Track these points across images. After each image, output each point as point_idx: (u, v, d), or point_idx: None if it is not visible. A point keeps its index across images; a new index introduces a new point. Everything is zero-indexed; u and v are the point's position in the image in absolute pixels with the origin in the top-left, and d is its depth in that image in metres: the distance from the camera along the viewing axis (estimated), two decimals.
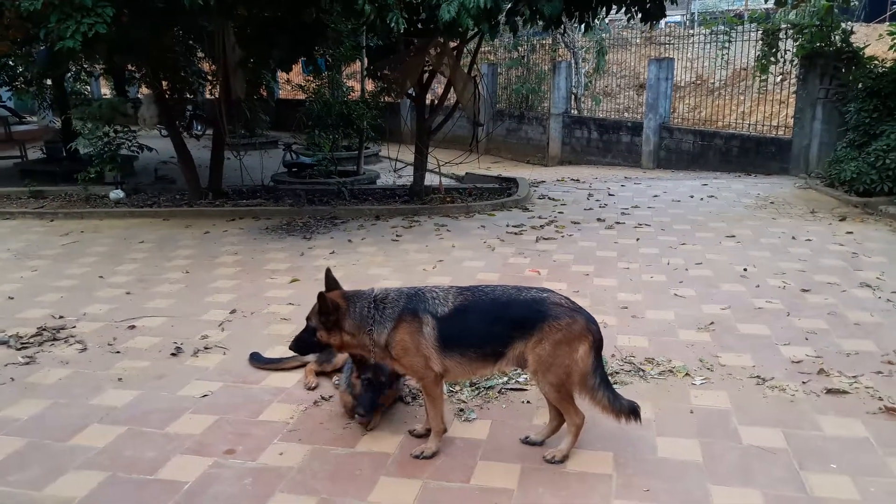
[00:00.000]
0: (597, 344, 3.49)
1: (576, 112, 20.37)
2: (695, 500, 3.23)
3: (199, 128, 21.11)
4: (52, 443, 3.82)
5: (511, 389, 4.37)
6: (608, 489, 3.33)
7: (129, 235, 8.76)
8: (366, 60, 14.32)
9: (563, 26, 14.12)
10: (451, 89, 10.27)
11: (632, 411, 3.54)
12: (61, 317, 5.79)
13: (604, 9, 9.17)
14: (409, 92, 10.25)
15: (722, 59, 15.97)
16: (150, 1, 7.31)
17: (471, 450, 3.71)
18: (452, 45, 9.91)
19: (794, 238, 8.21)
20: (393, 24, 7.09)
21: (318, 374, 4.57)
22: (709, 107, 18.10)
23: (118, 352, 5.09)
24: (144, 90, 14.93)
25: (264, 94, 13.72)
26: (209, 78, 13.99)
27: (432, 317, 3.47)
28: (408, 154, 17.66)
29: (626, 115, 20.40)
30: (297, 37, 9.36)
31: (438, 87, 14.37)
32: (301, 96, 21.53)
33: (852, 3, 12.37)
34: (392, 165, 17.64)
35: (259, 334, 5.41)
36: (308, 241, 8.46)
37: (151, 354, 5.04)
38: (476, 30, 7.66)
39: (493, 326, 3.49)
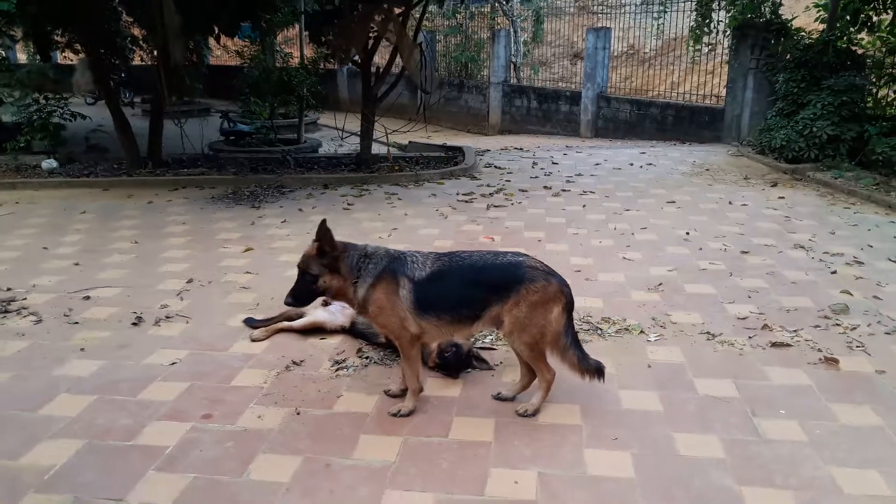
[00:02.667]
0: (569, 306, 3.65)
1: (515, 81, 20.53)
2: (659, 446, 3.45)
3: (128, 95, 20.40)
4: (20, 413, 3.77)
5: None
6: (579, 439, 3.52)
7: (69, 206, 8.47)
8: (303, 26, 14.12)
9: None
10: (397, 57, 10.22)
11: (597, 370, 3.74)
12: (9, 289, 5.62)
13: None
14: (354, 58, 10.14)
15: (658, 27, 16.32)
16: None
17: (446, 407, 3.84)
18: (398, 11, 9.84)
19: (730, 203, 8.61)
20: None
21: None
22: (641, 76, 18.56)
23: (76, 322, 4.99)
24: (69, 56, 14.26)
25: (195, 59, 13.31)
26: (140, 43, 13.52)
27: (409, 280, 3.56)
28: (348, 122, 17.58)
29: (561, 84, 20.70)
30: (242, 2, 9.11)
31: (381, 59, 14.30)
32: (233, 63, 21.03)
33: None
34: (336, 134, 17.48)
35: (220, 303, 5.39)
36: (257, 210, 8.38)
37: (111, 324, 4.96)
38: None
39: (469, 290, 3.61)
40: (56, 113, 10.53)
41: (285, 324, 4.84)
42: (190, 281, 5.84)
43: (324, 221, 3.59)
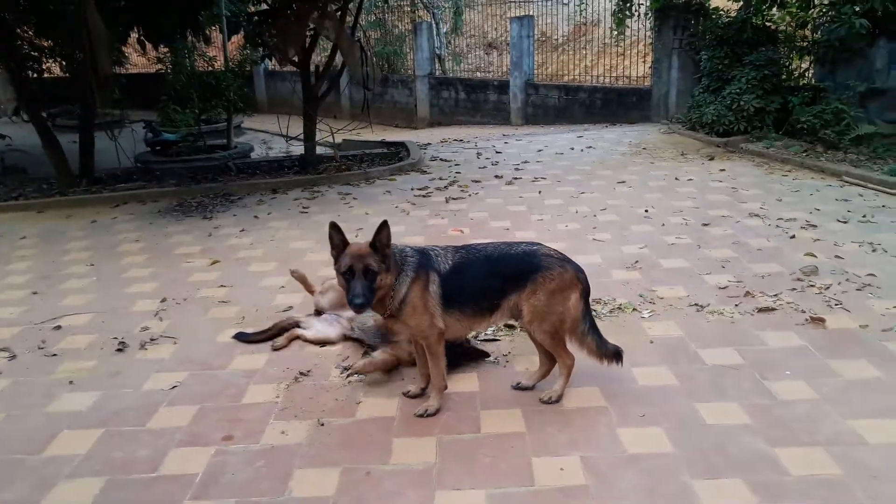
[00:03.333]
0: (585, 292, 3.71)
1: (441, 73, 20.56)
2: (686, 418, 3.57)
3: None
4: (25, 457, 3.53)
5: (484, 340, 4.53)
6: (609, 419, 3.59)
7: (5, 232, 7.97)
8: (225, 27, 13.69)
9: None
10: (336, 54, 10.07)
11: (616, 354, 3.81)
12: None
13: None
14: (293, 58, 9.93)
15: (580, 12, 16.62)
16: None
17: (469, 402, 3.84)
18: (334, 7, 9.69)
19: (676, 179, 8.92)
20: None
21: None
22: (556, 62, 18.95)
23: (55, 354, 4.71)
24: None
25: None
26: (48, 55, 12.79)
27: (437, 274, 3.53)
28: (269, 124, 17.14)
29: (478, 73, 20.91)
30: (184, 6, 8.75)
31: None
32: (149, 70, 20.20)
33: None
34: (263, 137, 17.09)
35: (202, 320, 5.20)
36: (210, 220, 8.11)
37: (94, 353, 4.71)
38: None
39: (489, 281, 3.61)
40: None
41: (298, 331, 4.70)
42: (164, 300, 5.60)
43: (385, 222, 3.40)
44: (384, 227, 3.39)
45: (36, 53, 10.81)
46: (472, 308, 3.64)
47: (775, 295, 5.02)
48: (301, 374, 4.26)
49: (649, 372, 4.06)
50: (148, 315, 5.31)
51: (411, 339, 3.79)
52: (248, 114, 16.17)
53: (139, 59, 23.66)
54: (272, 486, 3.20)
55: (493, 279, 3.62)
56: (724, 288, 5.23)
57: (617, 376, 4.00)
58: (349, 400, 3.94)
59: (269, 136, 17.32)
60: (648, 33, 14.76)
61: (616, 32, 15.61)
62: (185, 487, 3.22)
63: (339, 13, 9.73)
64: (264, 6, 10.37)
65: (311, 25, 9.67)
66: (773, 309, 4.80)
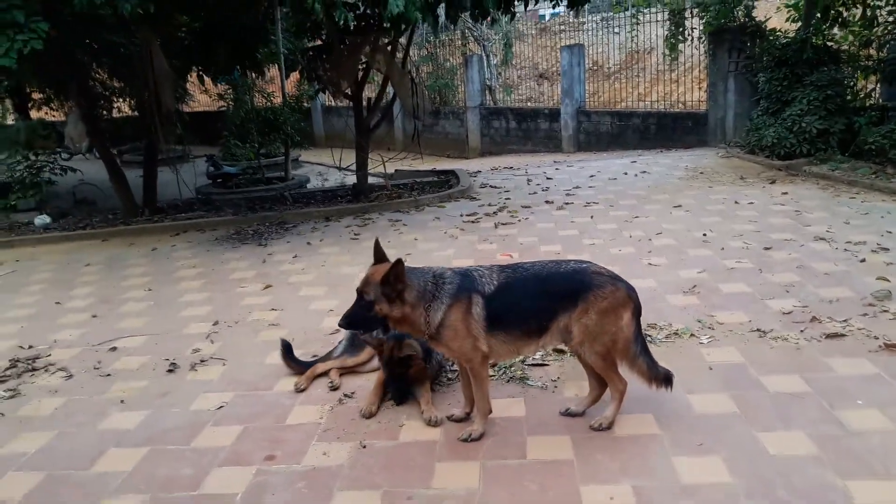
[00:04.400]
0: (637, 311, 3.57)
1: (491, 103, 20.65)
2: (747, 448, 3.36)
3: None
4: (73, 472, 3.57)
5: (532, 365, 4.41)
6: (662, 448, 3.41)
7: (72, 259, 8.24)
8: (282, 64, 14.06)
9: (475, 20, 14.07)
10: (387, 86, 10.20)
11: (666, 379, 3.64)
12: (31, 346, 5.40)
13: None
14: (346, 91, 10.10)
15: (632, 38, 16.48)
16: (77, 14, 6.84)
17: (515, 427, 3.71)
18: (386, 41, 9.83)
19: (736, 202, 8.64)
20: (341, 21, 6.96)
21: (342, 372, 4.45)
22: (608, 91, 18.78)
23: (108, 374, 4.79)
24: (47, 112, 14.01)
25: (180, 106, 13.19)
26: (118, 94, 13.36)
27: (481, 296, 3.44)
28: (324, 157, 17.49)
29: (528, 103, 20.90)
30: (238, 42, 9.04)
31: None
32: (210, 109, 20.94)
33: None
34: (320, 170, 17.41)
35: (252, 342, 5.22)
36: (265, 247, 8.21)
37: (146, 373, 4.77)
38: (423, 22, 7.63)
39: (537, 301, 3.49)
40: (46, 168, 10.32)
41: (320, 367, 4.58)
42: (216, 323, 5.66)
43: (377, 242, 3.43)
44: (396, 265, 3.33)
45: (107, 93, 11.27)
46: (518, 330, 3.53)
47: (844, 321, 4.75)
48: (346, 395, 4.21)
49: (707, 399, 3.86)
50: (200, 337, 5.37)
51: (454, 362, 3.69)
52: (305, 147, 16.50)
53: (202, 97, 24.67)
54: None
55: (541, 299, 3.50)
56: (788, 313, 4.97)
57: (671, 403, 3.81)
58: (392, 423, 3.86)
59: (325, 168, 17.66)
60: (703, 57, 14.52)
61: (670, 59, 15.43)
62: None
63: (389, 47, 9.87)
64: (319, 42, 10.58)
65: (364, 59, 9.82)
66: (843, 335, 4.53)
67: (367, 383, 4.33)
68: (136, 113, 12.80)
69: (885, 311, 4.87)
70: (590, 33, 19.53)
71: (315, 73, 10.23)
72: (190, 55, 9.43)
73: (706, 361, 4.32)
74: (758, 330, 4.71)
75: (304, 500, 3.20)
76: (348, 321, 3.47)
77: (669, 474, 3.19)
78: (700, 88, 15.60)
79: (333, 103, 24.82)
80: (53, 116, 12.52)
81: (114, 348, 5.27)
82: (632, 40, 16.65)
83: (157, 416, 4.12)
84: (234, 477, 3.42)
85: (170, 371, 4.77)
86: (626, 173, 11.44)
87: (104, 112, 11.70)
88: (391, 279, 3.32)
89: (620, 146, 15.88)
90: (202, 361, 4.89)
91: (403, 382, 4.04)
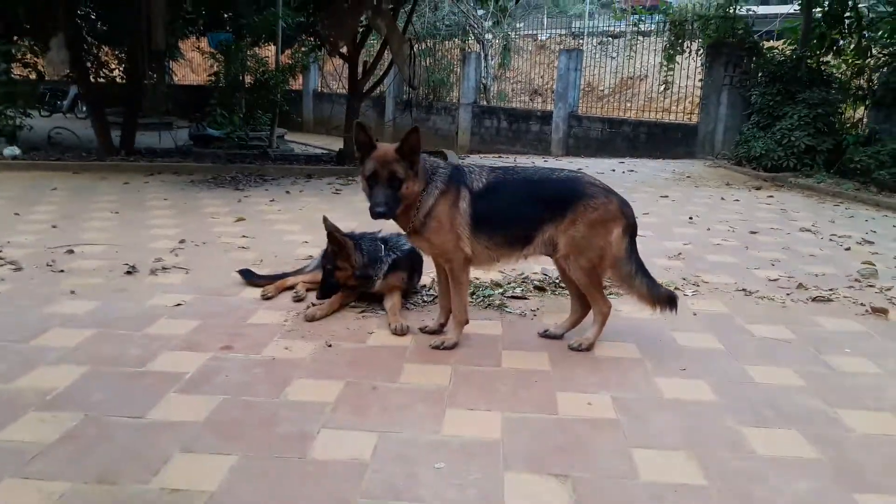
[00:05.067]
0: (631, 229, 3.40)
1: (485, 102, 20.57)
2: (733, 375, 3.20)
3: (84, 109, 19.67)
4: (10, 343, 3.29)
5: (511, 298, 4.22)
6: (645, 370, 3.23)
7: (38, 185, 7.88)
8: (280, 33, 13.82)
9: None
10: (385, 51, 10.02)
11: (669, 299, 3.45)
12: None
13: None
14: (342, 50, 9.90)
15: (631, 50, 16.54)
16: None
17: (490, 343, 3.51)
18: (390, 6, 9.67)
19: (722, 199, 8.57)
20: None
21: (310, 288, 4.20)
22: (599, 112, 18.77)
23: (62, 271, 4.51)
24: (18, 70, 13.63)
25: (153, 80, 12.74)
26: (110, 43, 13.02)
27: (469, 191, 3.24)
28: (312, 140, 17.36)
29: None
30: None
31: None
32: (199, 82, 20.62)
33: None
34: (304, 149, 17.17)
35: (220, 259, 4.97)
36: (241, 191, 7.96)
37: (101, 273, 4.50)
38: None
39: (525, 206, 3.31)
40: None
41: (290, 280, 4.38)
42: (182, 241, 5.40)
43: (415, 128, 3.14)
44: (413, 131, 3.12)
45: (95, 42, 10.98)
46: (502, 235, 3.34)
47: (831, 289, 4.63)
48: (313, 304, 3.97)
49: (691, 336, 3.70)
50: (164, 251, 5.09)
51: (434, 260, 3.48)
52: (293, 118, 16.24)
53: (191, 73, 24.40)
54: (267, 390, 2.90)
55: (530, 205, 3.32)
56: (774, 280, 4.85)
57: (655, 336, 3.66)
58: (361, 329, 3.64)
59: (312, 148, 17.42)
60: (698, 83, 14.47)
61: (662, 87, 15.45)
62: (171, 382, 2.93)
63: (392, 11, 9.70)
64: None
65: (363, 20, 9.65)
66: (829, 300, 4.41)
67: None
68: (122, 78, 12.51)
69: (871, 286, 4.77)
70: (587, 56, 19.55)
71: (313, 27, 10.01)
72: None
73: (690, 309, 4.16)
74: (743, 290, 4.57)
75: (260, 383, 2.96)
76: (388, 205, 3.07)
77: (651, 390, 3.01)
78: (692, 104, 15.65)
79: (325, 89, 24.74)
80: (21, 75, 12.17)
81: (70, 251, 4.98)
82: (627, 59, 16.65)
83: (109, 307, 3.85)
84: (185, 360, 3.17)
85: (128, 273, 4.51)
86: (613, 170, 11.37)
87: (97, 78, 11.32)
88: (413, 146, 3.09)
89: (609, 153, 15.81)
90: (164, 269, 4.63)
91: (331, 280, 3.82)
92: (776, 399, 2.94)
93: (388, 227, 4.08)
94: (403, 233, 3.99)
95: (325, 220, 3.78)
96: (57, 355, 3.17)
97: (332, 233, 3.76)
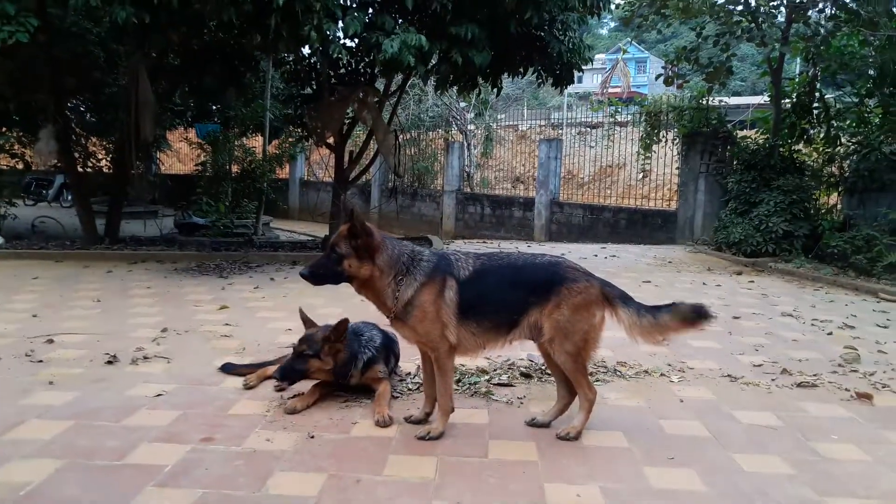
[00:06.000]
0: (619, 300, 3.44)
1: (468, 189, 20.98)
2: (721, 465, 3.16)
3: (69, 198, 19.83)
4: None
5: (497, 385, 4.19)
6: (633, 458, 3.20)
7: (20, 273, 7.84)
8: (268, 125, 14.16)
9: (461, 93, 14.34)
10: (371, 140, 10.29)
11: (696, 312, 3.46)
12: None
13: (521, 69, 9.62)
14: (328, 141, 10.14)
15: (609, 139, 17.07)
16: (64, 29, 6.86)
17: (477, 432, 3.47)
18: (375, 99, 9.99)
19: (704, 284, 8.67)
20: (335, 54, 7.05)
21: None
22: (580, 198, 19.22)
23: (40, 361, 4.44)
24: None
25: (139, 170, 12.99)
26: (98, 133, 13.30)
27: (455, 280, 3.27)
28: (297, 227, 17.50)
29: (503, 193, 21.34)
30: (229, 65, 9.09)
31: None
32: (186, 171, 20.96)
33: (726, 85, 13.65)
34: (290, 236, 17.30)
35: (202, 348, 4.92)
36: (226, 279, 7.95)
37: (81, 363, 4.43)
38: (413, 70, 7.76)
39: (510, 291, 3.34)
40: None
41: (271, 369, 4.33)
42: (164, 330, 5.35)
43: (355, 207, 3.29)
44: (352, 214, 3.20)
45: (84, 132, 11.25)
46: (489, 321, 3.35)
47: (815, 375, 4.64)
48: (297, 396, 3.91)
49: (679, 424, 3.67)
50: (146, 340, 5.04)
51: (419, 348, 3.47)
52: (279, 205, 16.43)
53: (177, 164, 24.79)
54: (248, 483, 2.83)
55: (515, 290, 3.35)
56: (758, 366, 4.86)
57: (642, 425, 3.63)
58: (345, 420, 3.59)
59: (297, 234, 17.56)
60: (675, 171, 14.90)
61: (641, 174, 15.92)
62: (150, 476, 2.86)
63: (377, 104, 10.02)
64: (309, 90, 10.72)
65: (350, 112, 9.94)
66: (814, 385, 4.42)
67: None
68: (109, 168, 12.70)
69: (855, 370, 4.79)
70: (566, 144, 20.18)
71: (301, 119, 10.28)
72: (178, 75, 9.43)
73: (677, 396, 4.15)
74: (728, 375, 4.58)
75: (241, 476, 2.89)
76: (312, 270, 3.28)
77: (640, 480, 2.97)
78: (671, 191, 16.04)
79: (312, 178, 25.15)
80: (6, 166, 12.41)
81: (50, 341, 4.91)
82: (605, 148, 17.18)
83: (88, 397, 3.79)
84: (163, 452, 3.10)
85: (108, 363, 4.44)
86: (595, 255, 11.51)
87: (85, 168, 11.55)
88: (357, 229, 3.17)
89: (591, 239, 16.07)
90: (145, 358, 4.58)
91: (299, 366, 3.77)
92: (766, 488, 2.91)
93: (369, 314, 4.11)
94: (371, 323, 4.05)
95: (301, 311, 3.79)
96: (32, 448, 3.09)
97: (341, 326, 3.74)
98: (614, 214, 16.09)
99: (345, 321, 3.75)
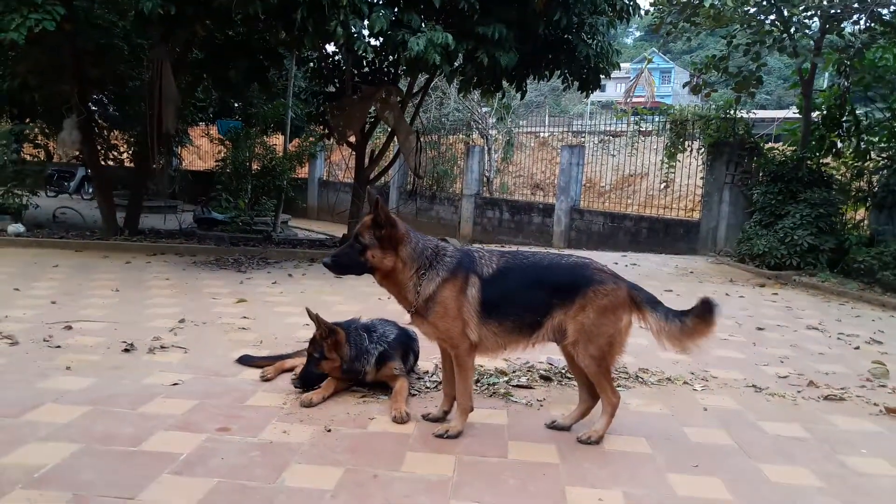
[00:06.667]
0: (647, 305, 3.36)
1: (487, 194, 20.91)
2: (747, 474, 3.07)
3: (91, 190, 20.02)
4: (0, 419, 3.18)
5: (517, 387, 4.12)
6: (656, 465, 3.11)
7: (40, 261, 7.89)
8: (289, 124, 14.18)
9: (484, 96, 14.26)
10: (392, 140, 10.26)
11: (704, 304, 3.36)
12: None
13: (547, 72, 9.55)
14: (349, 139, 10.13)
15: (632, 148, 16.96)
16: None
17: (496, 433, 3.40)
18: (398, 99, 9.96)
19: (727, 295, 8.54)
20: (361, 51, 7.03)
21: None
22: (599, 207, 19.10)
23: (58, 346, 4.44)
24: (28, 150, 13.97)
25: (160, 164, 13.08)
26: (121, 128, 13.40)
27: (479, 278, 3.21)
28: (315, 226, 17.51)
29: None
30: (254, 60, 9.11)
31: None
32: (206, 168, 21.10)
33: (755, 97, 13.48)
34: (308, 235, 17.34)
35: (219, 340, 4.89)
36: (244, 274, 7.94)
37: (99, 350, 4.42)
38: (439, 69, 7.72)
39: (534, 291, 3.27)
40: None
41: (289, 362, 4.29)
42: (182, 321, 5.34)
43: (379, 198, 3.22)
44: (376, 204, 3.14)
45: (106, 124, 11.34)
46: (512, 321, 3.28)
47: (842, 388, 4.52)
48: (313, 388, 3.87)
49: (703, 432, 3.58)
50: (163, 330, 5.03)
51: (439, 345, 3.41)
52: (299, 204, 16.45)
53: (197, 160, 24.97)
54: (264, 474, 2.78)
55: (540, 290, 3.28)
56: (784, 377, 4.75)
57: (665, 432, 3.54)
58: (362, 415, 3.53)
59: (315, 233, 17.59)
60: (699, 181, 14.76)
61: (664, 184, 15.76)
62: (165, 463, 2.82)
63: (400, 104, 9.99)
64: (332, 88, 10.72)
65: (372, 112, 9.92)
66: (842, 399, 4.30)
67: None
68: (130, 161, 12.79)
69: (883, 386, 4.66)
70: (587, 152, 20.09)
71: (323, 117, 10.28)
72: (202, 70, 9.45)
73: (701, 404, 4.05)
74: (753, 386, 4.47)
75: (257, 466, 2.85)
76: (335, 260, 3.24)
77: (664, 487, 2.88)
78: (693, 201, 15.88)
79: (331, 178, 25.20)
80: (29, 156, 12.57)
81: (69, 327, 4.91)
82: (629, 156, 17.05)
83: (104, 384, 3.76)
84: (179, 440, 3.07)
85: (126, 351, 4.43)
86: (616, 263, 11.35)
87: (108, 161, 11.64)
88: (381, 219, 3.12)
89: (611, 247, 15.92)
90: (162, 348, 4.56)
91: (314, 370, 3.75)
92: (794, 499, 2.82)
93: (388, 312, 4.07)
94: (389, 320, 4.00)
95: (307, 310, 3.76)
96: (48, 431, 3.06)
97: (325, 323, 3.72)
98: (635, 223, 15.94)
99: (313, 314, 3.71)
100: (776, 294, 8.84)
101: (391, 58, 8.87)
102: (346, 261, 3.22)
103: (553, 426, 3.49)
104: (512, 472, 2.94)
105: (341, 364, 3.72)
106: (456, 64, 8.06)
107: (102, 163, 11.38)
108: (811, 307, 7.94)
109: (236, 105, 14.68)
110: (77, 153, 10.24)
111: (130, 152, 12.68)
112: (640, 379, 4.48)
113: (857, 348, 5.83)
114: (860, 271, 10.02)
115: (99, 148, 11.25)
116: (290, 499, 2.58)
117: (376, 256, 3.15)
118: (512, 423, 3.53)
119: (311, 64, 10.63)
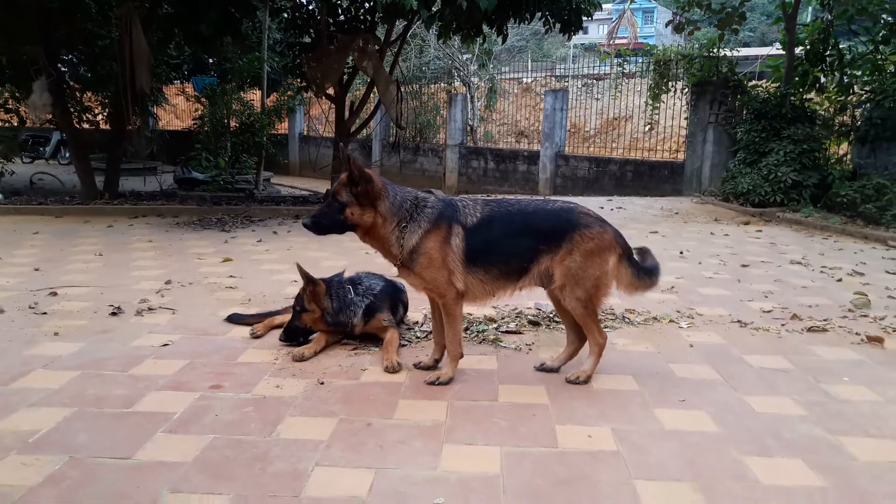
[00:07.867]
0: (627, 254, 3.38)
1: (471, 143, 20.75)
2: (732, 406, 3.13)
3: (67, 155, 19.68)
4: None
5: (506, 332, 4.16)
6: (644, 401, 3.17)
7: (20, 228, 7.80)
8: (265, 79, 13.92)
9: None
10: (372, 90, 10.11)
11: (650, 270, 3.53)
12: None
13: (528, 14, 9.36)
14: (328, 91, 9.96)
15: (616, 90, 16.81)
16: None
17: (486, 377, 3.44)
18: (376, 47, 9.77)
19: (712, 234, 8.60)
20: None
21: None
22: (584, 152, 19.01)
23: (44, 313, 4.42)
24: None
25: (136, 125, 12.79)
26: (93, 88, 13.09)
27: (462, 227, 3.21)
28: (297, 182, 17.36)
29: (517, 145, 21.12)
30: (225, 12, 8.87)
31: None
32: (184, 127, 20.77)
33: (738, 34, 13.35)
34: (291, 191, 17.20)
35: (206, 299, 4.88)
36: (228, 233, 7.89)
37: (86, 315, 4.40)
38: (416, 14, 7.53)
39: (520, 238, 3.27)
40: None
41: (278, 318, 4.30)
42: (168, 282, 5.32)
43: (351, 154, 3.20)
44: (349, 160, 3.12)
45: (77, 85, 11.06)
46: (498, 268, 3.29)
47: (825, 319, 4.60)
48: (303, 342, 3.89)
49: (688, 368, 3.64)
50: (150, 292, 5.01)
51: (427, 295, 3.42)
52: (279, 161, 16.27)
53: (174, 119, 24.53)
54: (259, 428, 2.81)
55: (525, 236, 3.29)
56: (768, 311, 4.82)
57: (652, 369, 3.60)
58: (354, 367, 3.57)
59: (297, 190, 17.45)
60: (683, 122, 14.68)
61: (648, 126, 15.68)
62: (159, 422, 2.84)
63: (378, 53, 9.80)
64: (308, 39, 10.49)
65: (350, 62, 9.73)
66: (824, 329, 4.38)
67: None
68: (106, 123, 12.50)
69: (865, 315, 4.75)
70: (571, 96, 19.88)
71: (299, 70, 10.08)
72: (172, 24, 9.20)
73: (686, 341, 4.12)
74: (738, 321, 4.54)
75: (251, 421, 2.87)
76: (315, 220, 3.21)
77: (651, 421, 2.95)
78: (678, 142, 15.85)
79: (311, 133, 24.89)
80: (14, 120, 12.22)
81: (54, 293, 4.89)
82: (612, 99, 16.92)
83: (93, 348, 3.76)
84: (172, 399, 3.08)
85: (113, 315, 4.41)
86: (601, 207, 11.37)
87: (82, 124, 11.37)
88: (356, 176, 3.09)
89: (596, 192, 15.93)
90: (150, 310, 4.55)
91: (298, 323, 3.81)
92: (778, 428, 2.89)
93: (375, 265, 4.06)
94: (376, 273, 4.01)
95: (298, 266, 3.77)
96: (39, 397, 3.07)
97: (306, 274, 3.73)
98: (620, 167, 15.92)
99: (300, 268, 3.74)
100: (760, 231, 8.91)
101: (367, 5, 8.67)
102: (325, 221, 3.20)
103: (542, 369, 3.54)
104: (503, 414, 2.99)
105: (323, 316, 3.73)
106: (434, 9, 7.87)
107: (77, 125, 11.13)
108: (795, 242, 8.01)
109: (211, 61, 14.36)
110: (50, 116, 9.99)
111: (105, 114, 12.40)
112: (626, 319, 4.53)
113: (840, 280, 5.91)
114: (843, 205, 10.09)
115: (72, 110, 11.01)
116: (285, 450, 2.62)
117: (355, 214, 3.14)
118: (502, 368, 3.58)
119: (285, 14, 10.36)
